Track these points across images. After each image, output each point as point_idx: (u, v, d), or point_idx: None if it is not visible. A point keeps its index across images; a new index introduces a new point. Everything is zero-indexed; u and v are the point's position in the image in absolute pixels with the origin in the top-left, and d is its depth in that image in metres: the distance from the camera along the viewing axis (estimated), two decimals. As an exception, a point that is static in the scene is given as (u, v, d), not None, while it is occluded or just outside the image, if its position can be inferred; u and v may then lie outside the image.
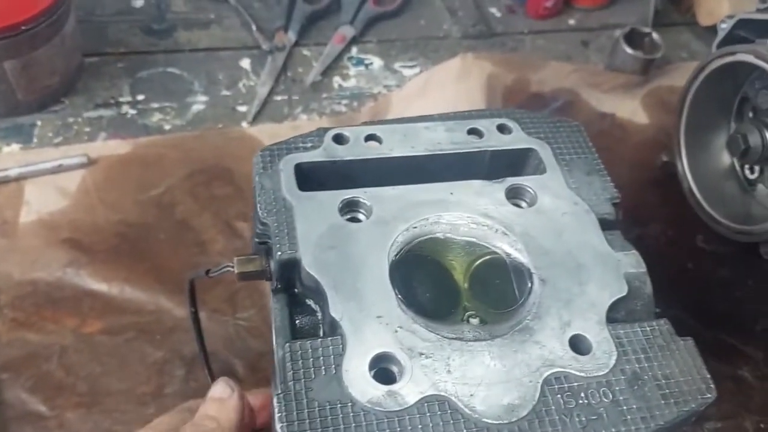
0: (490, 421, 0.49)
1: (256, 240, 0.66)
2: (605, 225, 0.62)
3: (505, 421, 0.49)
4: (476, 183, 0.64)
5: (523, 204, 0.63)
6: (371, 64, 1.16)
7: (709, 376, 0.53)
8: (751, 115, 0.90)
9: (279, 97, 1.09)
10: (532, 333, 0.54)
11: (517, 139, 0.68)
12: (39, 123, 1.00)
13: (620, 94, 1.16)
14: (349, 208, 0.61)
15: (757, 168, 0.89)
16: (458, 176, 0.65)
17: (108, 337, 0.82)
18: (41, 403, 0.76)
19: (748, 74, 0.87)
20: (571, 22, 1.31)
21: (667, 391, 0.52)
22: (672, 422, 0.51)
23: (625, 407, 0.51)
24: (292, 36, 1.16)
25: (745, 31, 0.89)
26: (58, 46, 0.96)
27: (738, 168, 0.92)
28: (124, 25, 1.15)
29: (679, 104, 0.92)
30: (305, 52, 1.16)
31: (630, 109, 1.15)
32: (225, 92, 1.08)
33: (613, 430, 0.49)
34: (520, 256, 0.59)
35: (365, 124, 0.69)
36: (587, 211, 0.63)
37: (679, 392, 0.52)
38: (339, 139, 0.66)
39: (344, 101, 1.10)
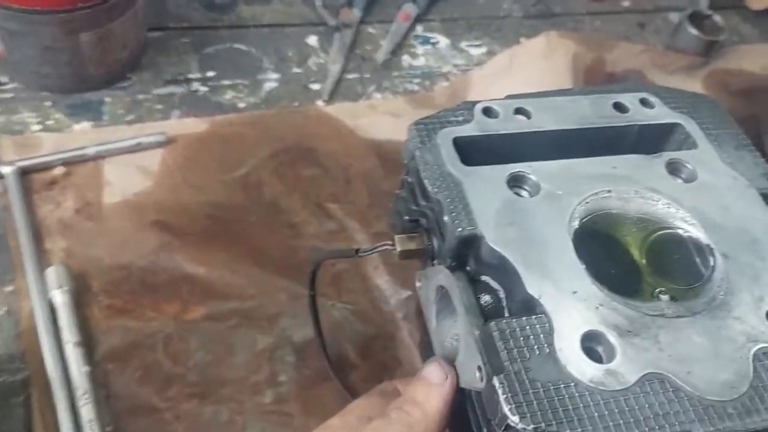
0: (713, 398, 0.47)
1: (406, 218, 0.63)
2: (766, 200, 0.62)
3: (728, 399, 0.48)
4: (634, 157, 0.63)
5: (682, 179, 0.62)
6: (437, 42, 1.14)
7: None
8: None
9: (351, 76, 1.06)
10: (729, 309, 0.53)
11: (662, 114, 0.67)
12: (108, 99, 0.95)
13: (683, 75, 1.16)
14: (516, 182, 0.59)
15: None
16: (607, 150, 0.63)
17: (212, 324, 0.78)
18: (154, 394, 0.72)
19: None
20: (626, 3, 1.30)
21: None
22: None
23: (834, 381, 0.50)
24: (357, 13, 1.12)
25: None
26: (131, 18, 0.92)
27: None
28: (183, -1, 1.10)
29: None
30: (371, 29, 1.13)
31: (693, 90, 1.15)
32: (296, 69, 1.05)
33: (831, 406, 0.49)
34: (696, 231, 0.58)
35: (509, 97, 0.66)
36: (747, 185, 0.62)
37: None
38: (489, 113, 0.64)
39: (416, 80, 1.08)
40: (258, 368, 0.76)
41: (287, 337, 0.78)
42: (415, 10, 1.16)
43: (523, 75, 0.98)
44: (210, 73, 1.01)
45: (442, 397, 0.53)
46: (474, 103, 0.64)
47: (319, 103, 1.01)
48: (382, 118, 0.99)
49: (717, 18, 1.19)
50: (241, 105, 0.99)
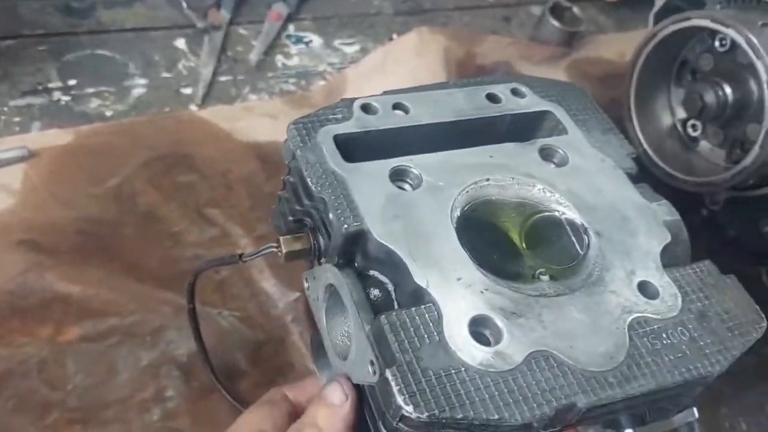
0: (594, 369, 0.50)
1: (291, 218, 0.62)
2: (632, 179, 0.65)
3: (608, 368, 0.50)
4: (509, 145, 0.65)
5: (554, 163, 0.65)
6: (311, 41, 1.13)
7: (757, 307, 0.58)
8: (689, 78, 0.97)
9: (224, 78, 1.03)
10: (605, 284, 0.55)
11: (533, 103, 0.69)
12: (-43, 115, 0.88)
13: (547, 65, 1.22)
14: (399, 176, 0.59)
15: (699, 126, 0.97)
16: (483, 140, 0.65)
17: (90, 344, 0.74)
18: (29, 424, 0.68)
19: (689, 39, 0.95)
20: (491, -2, 1.35)
21: (731, 324, 0.56)
22: (742, 352, 0.54)
23: (702, 343, 0.54)
24: (225, 14, 1.09)
25: (680, 0, 0.96)
26: (-22, 25, 0.85)
27: (680, 127, 1.00)
28: (36, 3, 1.03)
29: (630, 70, 0.98)
30: (241, 30, 1.10)
31: (556, 78, 1.21)
32: (165, 74, 1.01)
33: (698, 365, 0.52)
34: (570, 213, 0.61)
35: (387, 93, 0.67)
36: (614, 166, 0.65)
37: (740, 324, 0.56)
38: (368, 109, 0.64)
39: (291, 80, 1.06)
40: (143, 386, 0.72)
41: (172, 351, 0.75)
42: (286, 9, 1.14)
43: (397, 71, 0.99)
44: (71, 82, 0.95)
45: (343, 420, 0.53)
46: (352, 100, 0.64)
47: (192, 107, 0.98)
48: (259, 120, 0.97)
49: (576, 10, 1.25)
50: (108, 113, 0.94)
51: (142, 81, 0.99)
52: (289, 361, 0.78)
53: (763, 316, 0.57)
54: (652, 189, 0.65)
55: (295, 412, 0.64)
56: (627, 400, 0.50)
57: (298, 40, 1.13)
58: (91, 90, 0.95)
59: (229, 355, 0.77)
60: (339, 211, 0.55)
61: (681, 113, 0.99)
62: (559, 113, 0.69)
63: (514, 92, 0.70)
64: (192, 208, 0.87)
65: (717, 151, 0.96)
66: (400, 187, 0.59)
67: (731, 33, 0.83)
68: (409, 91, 0.67)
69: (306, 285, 0.63)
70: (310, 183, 0.57)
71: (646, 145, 0.98)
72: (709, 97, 0.89)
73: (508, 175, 0.62)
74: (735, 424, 0.86)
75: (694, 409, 0.62)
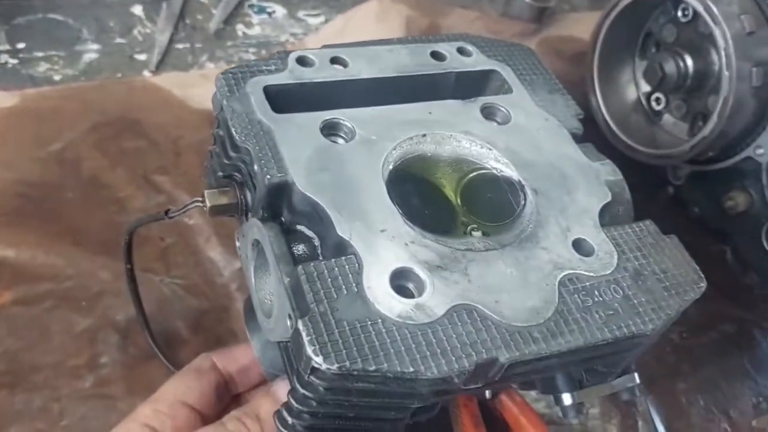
0: (519, 324, 0.48)
1: (220, 174, 0.60)
2: (576, 139, 0.63)
3: (534, 323, 0.48)
4: (451, 102, 0.63)
5: (497, 122, 0.63)
6: (274, 12, 1.11)
7: (697, 267, 0.56)
8: (654, 50, 0.96)
9: (180, 45, 1.00)
10: (537, 240, 0.54)
11: (479, 62, 0.67)
12: None
13: (517, 41, 1.19)
14: (331, 130, 0.57)
15: (663, 99, 0.95)
16: (427, 98, 0.63)
17: (23, 308, 0.72)
18: (-46, 388, 0.65)
19: (652, 10, 0.93)
20: (463, -27, 1.33)
21: (667, 283, 0.54)
22: (677, 312, 0.52)
23: (635, 301, 0.52)
24: (185, -19, 1.07)
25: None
26: None
27: (644, 101, 0.98)
28: (-13, -34, 1.00)
29: (592, 43, 0.96)
30: (201, -2, 1.08)
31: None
32: (119, 40, 0.98)
33: (630, 322, 0.50)
34: (508, 170, 0.59)
35: (325, 47, 0.65)
36: (558, 125, 0.63)
37: (678, 284, 0.54)
38: (303, 62, 0.61)
39: (251, 49, 1.04)
40: (77, 351, 0.70)
41: (110, 316, 0.73)
42: (250, -21, 1.12)
43: (356, 38, 0.96)
44: (20, 45, 0.93)
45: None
46: (288, 52, 0.62)
47: (146, 73, 0.96)
48: (214, 88, 0.95)
49: (546, -13, 1.23)
50: (57, 78, 0.91)
51: (95, 46, 0.96)
52: (231, 330, 0.76)
53: (703, 277, 0.55)
54: (597, 150, 0.63)
55: (224, 383, 0.62)
56: (554, 356, 0.48)
57: (261, 10, 1.10)
58: (40, 54, 0.93)
59: (170, 322, 0.75)
60: (263, 162, 0.53)
61: (645, 87, 0.98)
62: (505, 72, 0.67)
63: (460, 51, 0.68)
64: (139, 174, 0.85)
65: (680, 125, 0.94)
66: (333, 141, 0.57)
67: (690, 0, 0.81)
68: (350, 46, 0.65)
69: (237, 244, 0.61)
70: (234, 133, 0.55)
71: (608, 119, 0.96)
72: (669, 67, 0.87)
73: (447, 131, 0.60)
74: (693, 400, 0.85)
75: (635, 374, 0.60)
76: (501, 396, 0.65)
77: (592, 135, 0.97)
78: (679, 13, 0.89)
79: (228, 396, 0.62)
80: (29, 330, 0.70)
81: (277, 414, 0.49)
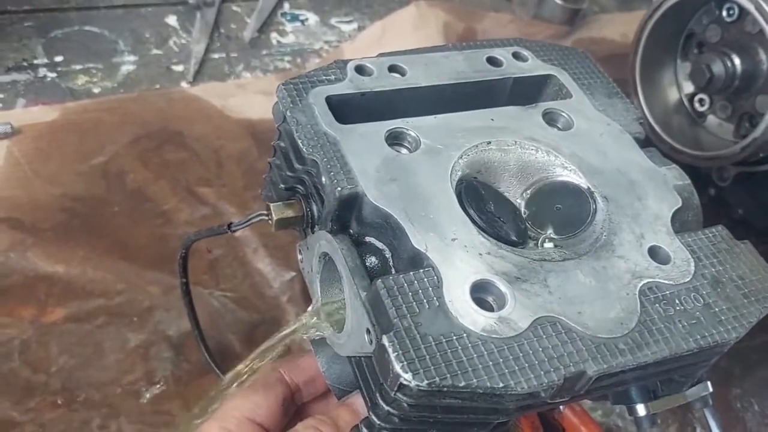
0: (604, 336, 0.47)
1: (282, 186, 0.59)
2: (639, 143, 0.62)
3: (619, 335, 0.47)
4: (512, 109, 0.62)
5: (558, 127, 0.62)
6: (307, 20, 1.10)
7: (774, 273, 0.55)
8: (696, 51, 0.94)
9: (216, 55, 1.00)
10: (613, 248, 0.52)
11: (535, 66, 0.66)
12: (-61, 91, 0.85)
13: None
14: (395, 139, 0.56)
15: (707, 100, 0.94)
16: (483, 104, 0.62)
17: (76, 325, 0.71)
18: (11, 408, 0.65)
19: (695, 11, 0.92)
20: (492, -24, 1.32)
21: (746, 290, 0.52)
22: (758, 318, 0.51)
23: (716, 309, 0.51)
24: (218, -9, 1.07)
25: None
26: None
27: (687, 102, 0.97)
28: (22, -20, 1.00)
29: (635, 44, 0.95)
30: (234, 7, 1.08)
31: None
32: (156, 51, 0.98)
33: (713, 331, 0.49)
34: (576, 177, 0.58)
35: (382, 55, 0.64)
36: (621, 130, 0.62)
37: (756, 290, 0.53)
38: (362, 71, 0.61)
39: (287, 57, 1.04)
40: (132, 368, 0.70)
41: (162, 331, 0.73)
42: (281, -14, 1.12)
43: (395, 45, 0.96)
44: (58, 58, 0.92)
45: None
46: (346, 61, 0.61)
47: (184, 84, 0.95)
48: (253, 98, 0.95)
49: (578, -12, 1.23)
50: (96, 90, 0.91)
51: (132, 58, 0.96)
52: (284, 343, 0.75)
53: (781, 282, 0.54)
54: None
55: (290, 395, 0.61)
56: (640, 368, 0.47)
57: (294, 18, 1.10)
58: (78, 67, 0.92)
59: (222, 336, 0.74)
60: (332, 174, 0.52)
61: (688, 88, 0.97)
62: (563, 77, 0.66)
63: (516, 56, 0.66)
64: (182, 186, 0.84)
65: (725, 126, 0.93)
66: (398, 150, 0.56)
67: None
68: (406, 53, 0.65)
69: (300, 257, 0.60)
70: (301, 145, 0.54)
71: (652, 121, 0.95)
72: (717, 68, 0.86)
73: (511, 138, 0.59)
74: (747, 405, 0.83)
75: (708, 383, 0.59)
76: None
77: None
78: (724, 13, 0.88)
79: (293, 408, 0.61)
80: (82, 347, 0.70)
81: (356, 429, 0.49)
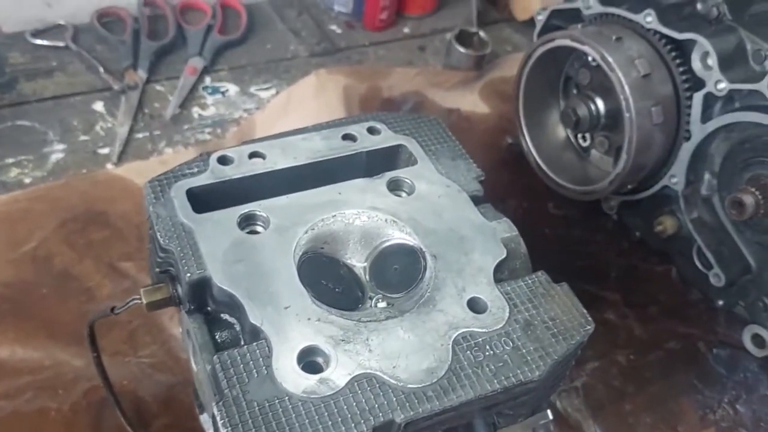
0: (414, 386, 0.54)
1: (157, 270, 0.67)
2: (476, 201, 0.70)
3: (428, 383, 0.54)
4: (359, 181, 0.69)
5: (404, 193, 0.70)
6: (227, 91, 1.19)
7: (585, 311, 0.62)
8: (575, 91, 1.02)
9: (140, 135, 1.09)
10: (434, 303, 0.60)
11: (387, 138, 0.74)
12: None
13: (460, 89, 1.27)
14: (248, 222, 0.64)
15: (588, 136, 1.02)
16: (341, 178, 0.70)
17: (6, 402, 0.79)
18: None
19: (568, 56, 1.00)
20: (406, 30, 1.40)
21: (555, 330, 0.60)
22: (563, 355, 0.58)
23: (524, 350, 0.58)
24: (142, 73, 1.16)
25: (558, 20, 1.01)
26: None
27: (572, 139, 1.04)
28: (-41, 82, 1.09)
29: (515, 90, 1.03)
30: (158, 87, 1.17)
31: (471, 102, 1.26)
32: (83, 137, 1.06)
33: (518, 371, 0.56)
34: (411, 239, 0.65)
35: (244, 143, 0.72)
36: (459, 191, 0.70)
37: (565, 329, 0.60)
38: (224, 161, 0.69)
39: (207, 129, 1.12)
40: (55, 436, 0.77)
41: (83, 400, 0.80)
42: (203, 62, 1.21)
43: (298, 113, 1.05)
44: (-9, 154, 1.01)
45: None
46: (209, 153, 0.69)
47: (109, 166, 1.04)
48: (172, 172, 1.02)
49: (482, 34, 1.31)
50: (27, 180, 1.00)
51: (61, 146, 1.05)
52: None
53: (590, 320, 0.61)
54: (495, 209, 0.69)
55: None
56: (449, 411, 0.54)
57: (215, 91, 1.19)
58: (10, 160, 1.01)
59: (141, 399, 0.82)
60: (184, 261, 0.60)
61: (571, 126, 1.04)
62: (411, 145, 0.74)
63: (370, 130, 0.75)
64: (105, 263, 0.92)
65: (606, 159, 1.01)
66: (253, 231, 0.64)
67: (587, 50, 0.88)
68: (267, 139, 0.73)
69: (180, 330, 0.68)
70: (158, 236, 0.62)
71: (539, 160, 1.03)
72: (582, 111, 0.94)
73: (354, 209, 0.66)
74: (640, 419, 0.90)
75: (548, 411, 0.66)
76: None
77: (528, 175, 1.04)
78: (590, 58, 0.96)
79: None
80: (12, 422, 0.77)
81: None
